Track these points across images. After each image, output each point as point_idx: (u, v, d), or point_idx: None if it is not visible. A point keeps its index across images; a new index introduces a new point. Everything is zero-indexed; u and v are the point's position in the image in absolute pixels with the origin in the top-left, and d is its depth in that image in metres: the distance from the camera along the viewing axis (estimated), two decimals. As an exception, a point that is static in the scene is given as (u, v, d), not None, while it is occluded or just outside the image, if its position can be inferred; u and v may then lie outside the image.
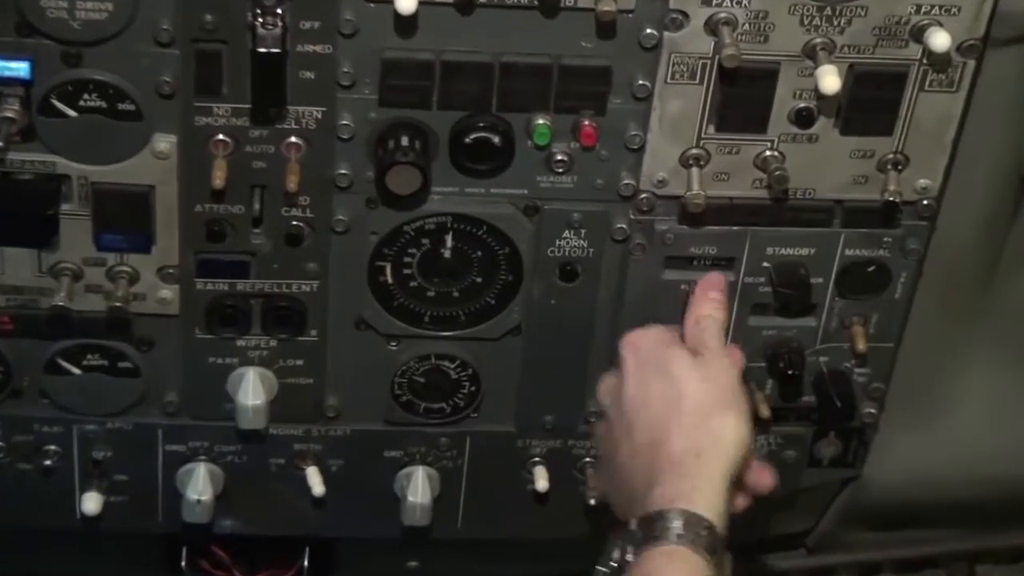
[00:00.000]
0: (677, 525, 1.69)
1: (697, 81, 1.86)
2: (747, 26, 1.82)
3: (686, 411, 1.80)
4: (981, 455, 2.27)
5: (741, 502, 1.93)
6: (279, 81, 1.80)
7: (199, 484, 2.10)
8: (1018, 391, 2.28)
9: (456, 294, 2.00)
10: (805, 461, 2.20)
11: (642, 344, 1.91)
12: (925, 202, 1.97)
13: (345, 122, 1.85)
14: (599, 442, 1.98)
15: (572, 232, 1.96)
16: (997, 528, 2.45)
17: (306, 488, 2.13)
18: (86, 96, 1.80)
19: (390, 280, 1.98)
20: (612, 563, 1.74)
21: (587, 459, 2.15)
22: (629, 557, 1.71)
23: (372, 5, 1.78)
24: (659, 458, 1.77)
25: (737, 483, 1.83)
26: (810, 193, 1.95)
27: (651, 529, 1.70)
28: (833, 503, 2.34)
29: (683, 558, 1.67)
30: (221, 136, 1.85)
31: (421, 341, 2.04)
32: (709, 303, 1.95)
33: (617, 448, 1.88)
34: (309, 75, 1.82)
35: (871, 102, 1.88)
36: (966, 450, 2.26)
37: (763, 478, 1.94)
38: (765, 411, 2.08)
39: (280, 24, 1.76)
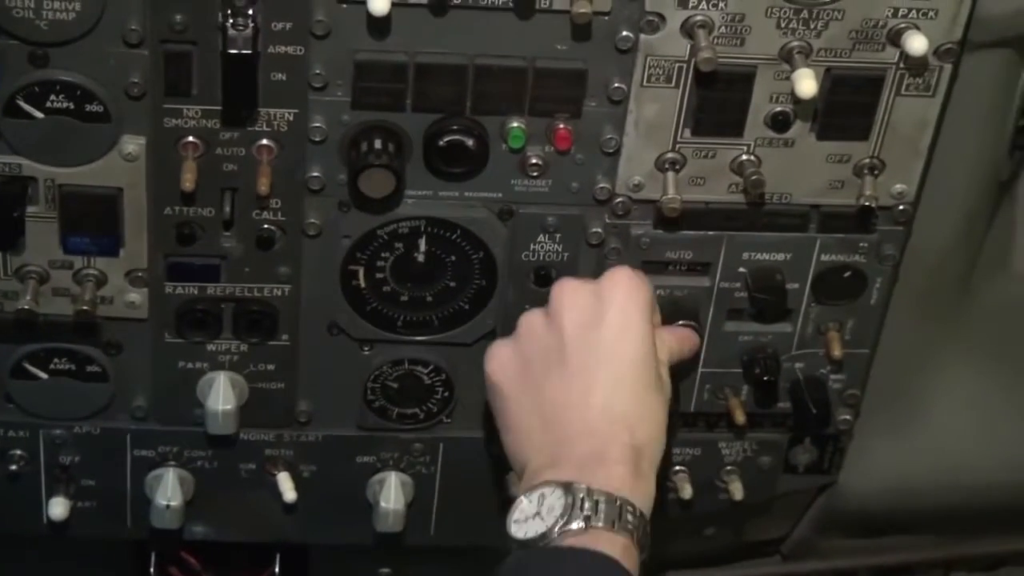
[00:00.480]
0: (610, 511, 1.59)
1: (673, 84, 1.84)
2: (723, 29, 1.81)
3: (634, 423, 1.68)
4: (957, 462, 2.26)
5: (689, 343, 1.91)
6: (250, 83, 1.79)
7: (168, 490, 2.08)
8: (994, 397, 2.28)
9: (430, 299, 1.99)
10: (780, 467, 2.19)
11: (637, 292, 1.76)
12: (901, 207, 1.97)
13: (317, 124, 1.83)
14: (534, 330, 1.76)
15: (547, 236, 1.95)
16: (972, 535, 2.45)
17: (277, 494, 2.11)
18: (53, 97, 1.78)
19: (363, 284, 1.97)
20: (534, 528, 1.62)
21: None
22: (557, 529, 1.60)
23: (344, 6, 1.77)
24: (593, 448, 1.66)
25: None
26: (786, 198, 1.94)
27: (579, 508, 1.59)
28: (808, 510, 2.33)
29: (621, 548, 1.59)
30: (191, 138, 1.83)
31: (394, 346, 2.02)
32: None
33: (565, 372, 1.72)
34: (280, 77, 1.80)
35: (848, 106, 1.88)
36: (942, 457, 2.26)
37: (686, 342, 1.91)
38: (740, 417, 2.07)
39: (251, 25, 1.74)
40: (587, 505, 1.60)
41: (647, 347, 1.73)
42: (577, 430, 1.69)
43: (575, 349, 1.73)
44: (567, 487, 1.62)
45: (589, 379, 1.71)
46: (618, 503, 1.60)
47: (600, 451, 1.66)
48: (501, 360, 1.78)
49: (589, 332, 1.74)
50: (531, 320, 1.79)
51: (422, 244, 1.94)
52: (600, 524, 1.59)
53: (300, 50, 1.78)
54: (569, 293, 1.77)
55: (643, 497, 1.65)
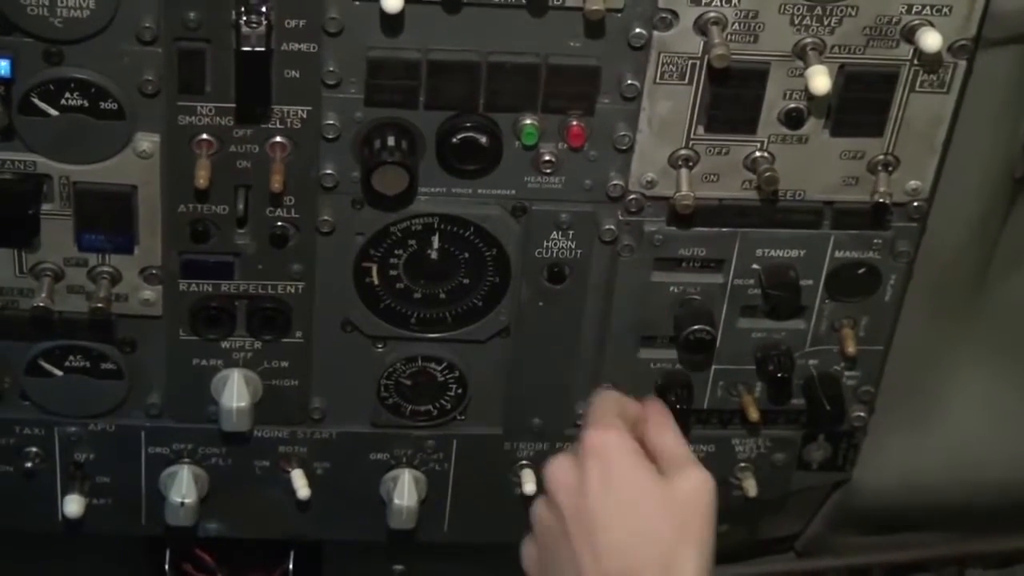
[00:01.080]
0: None
1: (686, 81, 1.84)
2: (737, 26, 1.80)
3: (655, 546, 1.72)
4: (971, 459, 2.26)
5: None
6: (263, 80, 1.79)
7: (183, 487, 2.08)
8: (1008, 394, 2.27)
9: (443, 296, 1.99)
10: (794, 464, 2.19)
11: (610, 454, 1.79)
12: (915, 204, 1.96)
13: (331, 122, 1.84)
14: (542, 522, 1.83)
15: (560, 233, 1.95)
16: (987, 532, 2.44)
17: (291, 491, 2.11)
18: (68, 95, 1.79)
19: (376, 281, 1.97)
20: None
21: (552, 459, 2.11)
22: None
23: (358, 3, 1.77)
24: None
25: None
26: (800, 194, 1.94)
27: None
28: (822, 507, 2.33)
29: None
30: (205, 135, 1.83)
31: (407, 343, 2.03)
32: (660, 417, 1.89)
33: (572, 554, 1.77)
34: (294, 74, 1.80)
35: (861, 103, 1.87)
36: (956, 454, 2.25)
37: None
38: (754, 414, 2.07)
39: (264, 22, 1.75)
40: None
41: (633, 491, 1.77)
42: None
43: (573, 523, 1.77)
44: None
45: (593, 548, 1.75)
46: None
47: None
48: (528, 560, 1.85)
49: (579, 501, 1.77)
50: (538, 511, 1.83)
51: (435, 241, 1.94)
52: None
53: (313, 47, 1.79)
54: (555, 470, 1.81)
55: None
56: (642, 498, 1.76)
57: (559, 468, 1.81)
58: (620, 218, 1.94)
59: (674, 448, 1.83)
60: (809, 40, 1.82)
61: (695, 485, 1.77)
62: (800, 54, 1.83)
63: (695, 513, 1.75)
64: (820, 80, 1.78)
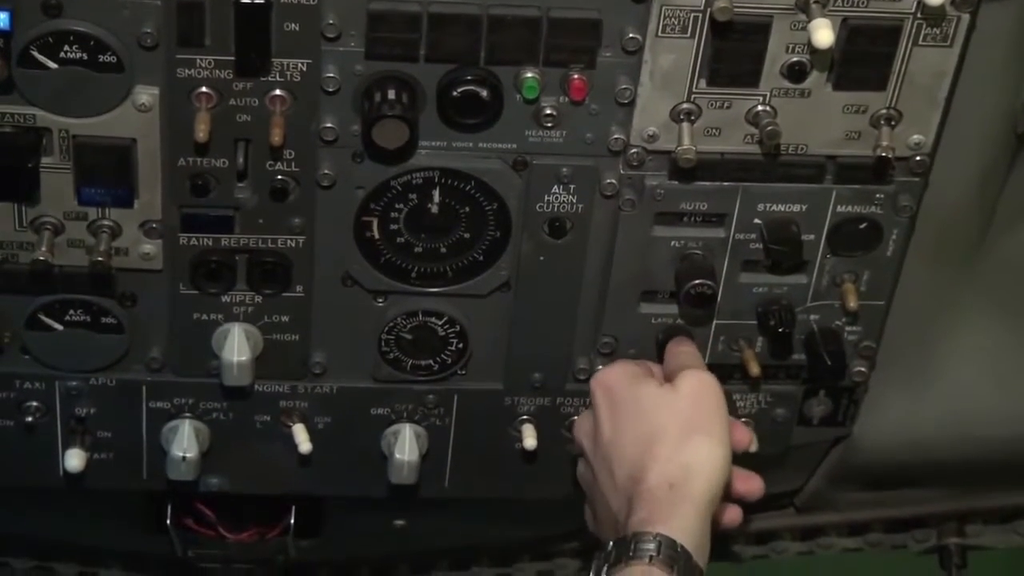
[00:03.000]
0: (651, 547, 1.73)
1: (688, 34, 1.83)
2: (739, -22, 1.79)
3: (658, 446, 1.82)
4: (972, 415, 2.26)
5: (732, 515, 1.98)
6: (263, 33, 1.78)
7: (184, 441, 2.08)
8: (1009, 350, 2.27)
9: (443, 250, 1.98)
10: (795, 420, 2.19)
11: (612, 383, 1.93)
12: (918, 158, 1.95)
13: (330, 75, 1.83)
14: (581, 478, 2.00)
15: (561, 187, 1.94)
16: (987, 488, 2.45)
17: (292, 446, 2.12)
18: (67, 48, 1.78)
19: (377, 235, 1.96)
20: None
21: (575, 417, 2.14)
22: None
23: (358, -45, 1.76)
24: (637, 491, 1.80)
25: (725, 497, 1.89)
26: (802, 149, 1.93)
27: (626, 550, 1.74)
28: (823, 462, 2.33)
29: None
30: (204, 89, 1.82)
31: (408, 297, 2.02)
32: (682, 341, 2.01)
33: (598, 484, 1.91)
34: (294, 27, 1.79)
35: (864, 56, 1.86)
36: (957, 409, 2.25)
37: (751, 486, 1.98)
38: (755, 369, 2.07)
39: (264, -26, 1.74)
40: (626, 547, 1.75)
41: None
42: (614, 500, 1.87)
43: (596, 460, 1.93)
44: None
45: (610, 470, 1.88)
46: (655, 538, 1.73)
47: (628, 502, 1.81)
48: (589, 521, 2.03)
49: (597, 438, 1.92)
50: (577, 471, 2.02)
51: (436, 195, 1.94)
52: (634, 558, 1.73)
53: (313, 0, 1.77)
54: (576, 426, 2.02)
55: (679, 531, 1.74)
56: (644, 407, 1.86)
57: (578, 422, 2.00)
58: (621, 172, 1.94)
59: (684, 359, 1.94)
60: (812, -8, 1.81)
61: (695, 383, 1.88)
62: (803, 7, 1.81)
63: (699, 409, 1.85)
64: (823, 33, 1.77)
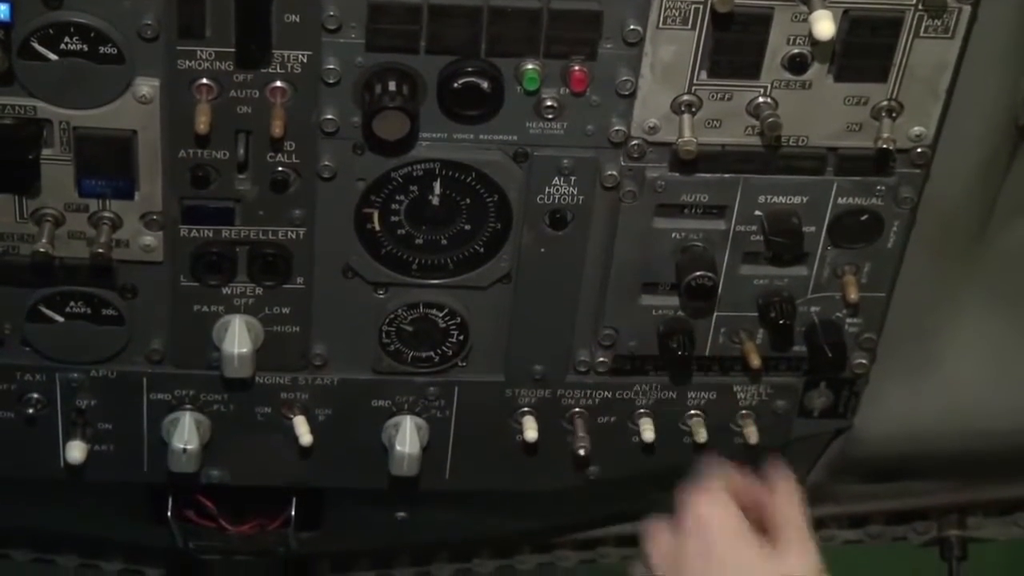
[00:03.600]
0: None
1: (689, 26, 1.83)
2: (740, -30, 1.79)
3: None
4: (972, 406, 2.26)
5: None
6: (264, 24, 1.78)
7: (185, 433, 2.09)
8: (1010, 342, 2.27)
9: (444, 242, 1.98)
10: (795, 412, 2.19)
11: (711, 526, 1.79)
12: (919, 150, 1.95)
13: (331, 66, 1.83)
14: None
15: (562, 179, 1.94)
16: (988, 480, 2.45)
17: (293, 438, 2.12)
18: (67, 39, 1.77)
19: (377, 227, 1.96)
20: None
21: (576, 409, 2.14)
22: None
23: (358, -54, 1.76)
24: None
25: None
26: (803, 140, 1.93)
27: None
28: (823, 454, 2.33)
29: None
30: (205, 80, 1.82)
31: (409, 289, 2.02)
32: (789, 490, 1.86)
33: None
34: (294, 18, 1.79)
35: (865, 48, 1.86)
36: (957, 402, 2.25)
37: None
38: (756, 360, 2.07)
39: (264, -35, 1.74)
40: None
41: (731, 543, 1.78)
42: None
43: None
44: None
45: None
46: None
47: None
48: None
49: (678, 568, 1.79)
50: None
51: (437, 187, 1.93)
52: None
53: None
54: (654, 537, 1.84)
55: None
56: (744, 565, 1.75)
57: (658, 535, 1.83)
58: (622, 164, 1.94)
59: (792, 523, 1.81)
60: (813, -16, 1.81)
61: (801, 564, 1.76)
62: (804, -2, 1.82)
63: None
64: (824, 25, 1.77)
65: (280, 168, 1.90)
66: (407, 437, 2.12)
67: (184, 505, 2.27)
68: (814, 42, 1.83)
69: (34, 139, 1.84)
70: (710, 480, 1.83)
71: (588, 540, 2.53)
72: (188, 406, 2.10)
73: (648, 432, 2.15)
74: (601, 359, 2.09)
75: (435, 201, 1.95)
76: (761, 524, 1.82)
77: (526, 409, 2.14)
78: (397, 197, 1.94)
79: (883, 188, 1.98)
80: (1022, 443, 2.32)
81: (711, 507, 1.80)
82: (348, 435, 2.15)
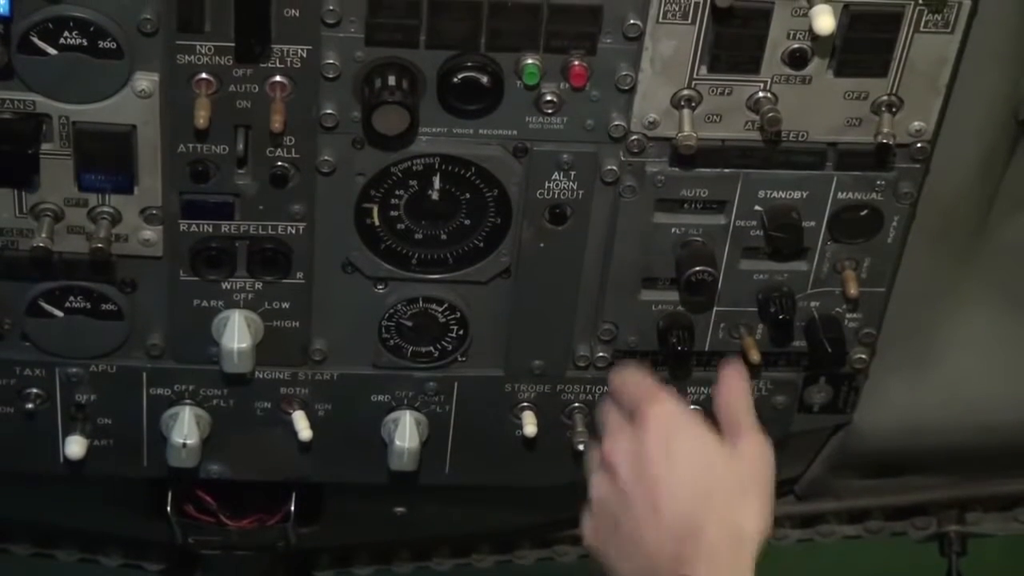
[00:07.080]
0: None
1: (689, 21, 1.83)
2: (740, -36, 1.79)
3: (717, 502, 1.77)
4: (972, 401, 2.26)
5: None
6: (263, 18, 1.78)
7: (184, 428, 2.08)
8: (1009, 337, 2.27)
9: (444, 236, 1.98)
10: (795, 407, 2.19)
11: (673, 417, 1.84)
12: (919, 145, 1.95)
13: (331, 61, 1.82)
14: (601, 495, 1.86)
15: (561, 174, 1.94)
16: (987, 475, 2.45)
17: (293, 432, 2.12)
18: (66, 33, 1.77)
19: (377, 222, 1.96)
20: None
21: (575, 404, 2.14)
22: None
23: (358, -59, 1.76)
24: (690, 545, 1.75)
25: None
26: (803, 135, 1.93)
27: None
28: (823, 449, 2.33)
29: None
30: (204, 75, 1.82)
31: (409, 284, 2.02)
32: (736, 384, 1.90)
33: (631, 511, 1.82)
34: (294, 12, 1.79)
35: (865, 43, 1.86)
36: (957, 396, 2.25)
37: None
38: (755, 355, 2.07)
39: (264, -40, 1.73)
40: None
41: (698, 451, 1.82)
42: (655, 552, 1.78)
43: (635, 488, 1.82)
44: None
45: (656, 510, 1.80)
46: None
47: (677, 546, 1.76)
48: (589, 536, 1.89)
49: (641, 468, 1.82)
50: (596, 484, 1.88)
51: (436, 182, 1.93)
52: None
53: None
54: (612, 443, 1.87)
55: None
56: (704, 460, 1.80)
57: (616, 440, 1.86)
58: (622, 159, 1.94)
59: (742, 415, 1.86)
60: (813, -21, 1.81)
61: (756, 449, 1.82)
62: (804, -7, 1.82)
63: (756, 475, 1.81)
64: (824, 20, 1.77)
65: (280, 163, 1.90)
66: (407, 432, 2.12)
67: (184, 500, 2.27)
68: (814, 37, 1.83)
69: (33, 134, 1.84)
70: (648, 384, 1.90)
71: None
72: (188, 401, 2.10)
73: (648, 427, 2.15)
74: (601, 354, 2.09)
75: (435, 196, 1.94)
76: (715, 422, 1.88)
77: (526, 404, 2.14)
78: (397, 192, 1.94)
79: (883, 183, 1.98)
80: (1021, 438, 2.32)
81: (667, 404, 1.85)
82: (348, 430, 2.15)
